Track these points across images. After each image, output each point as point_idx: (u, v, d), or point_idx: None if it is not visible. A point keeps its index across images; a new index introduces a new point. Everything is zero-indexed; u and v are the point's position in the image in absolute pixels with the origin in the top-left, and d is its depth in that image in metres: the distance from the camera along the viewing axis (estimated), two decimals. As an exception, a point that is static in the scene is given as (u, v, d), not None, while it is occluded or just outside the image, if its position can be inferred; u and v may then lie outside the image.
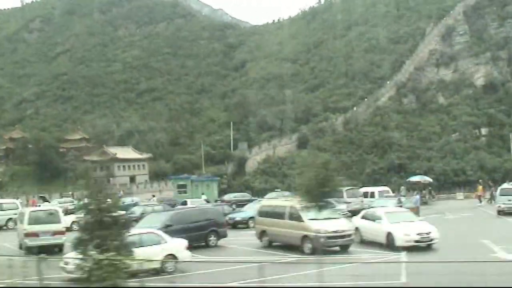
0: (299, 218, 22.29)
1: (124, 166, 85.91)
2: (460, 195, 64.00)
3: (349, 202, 40.55)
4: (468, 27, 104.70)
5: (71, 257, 14.32)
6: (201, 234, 25.13)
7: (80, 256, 11.47)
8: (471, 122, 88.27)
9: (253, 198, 52.50)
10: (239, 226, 34.44)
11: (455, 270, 13.38)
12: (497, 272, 13.10)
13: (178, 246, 18.90)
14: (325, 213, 21.01)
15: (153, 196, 58.16)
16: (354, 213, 32.12)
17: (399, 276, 14.06)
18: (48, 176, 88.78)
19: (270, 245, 24.44)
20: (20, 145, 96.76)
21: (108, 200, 12.01)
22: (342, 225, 22.84)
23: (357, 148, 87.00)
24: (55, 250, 23.94)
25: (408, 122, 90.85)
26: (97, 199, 11.80)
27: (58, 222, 24.79)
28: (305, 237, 21.97)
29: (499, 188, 40.42)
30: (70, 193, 67.02)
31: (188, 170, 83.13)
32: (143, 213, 33.07)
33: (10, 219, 37.25)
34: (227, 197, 56.53)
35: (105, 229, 11.58)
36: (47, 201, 57.63)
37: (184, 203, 45.82)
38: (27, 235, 23.85)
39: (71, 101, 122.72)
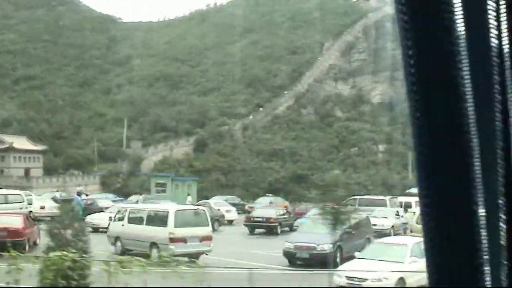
0: None
1: (20, 157, 78.02)
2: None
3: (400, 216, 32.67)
4: (367, 45, 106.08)
5: None
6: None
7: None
8: (370, 138, 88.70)
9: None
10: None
11: None
12: None
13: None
14: None
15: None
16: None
17: None
18: None
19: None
20: None
21: None
22: None
23: (256, 155, 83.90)
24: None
25: (308, 133, 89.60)
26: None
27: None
28: None
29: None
30: None
31: (82, 166, 77.69)
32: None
33: None
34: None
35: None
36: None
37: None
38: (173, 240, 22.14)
39: None
